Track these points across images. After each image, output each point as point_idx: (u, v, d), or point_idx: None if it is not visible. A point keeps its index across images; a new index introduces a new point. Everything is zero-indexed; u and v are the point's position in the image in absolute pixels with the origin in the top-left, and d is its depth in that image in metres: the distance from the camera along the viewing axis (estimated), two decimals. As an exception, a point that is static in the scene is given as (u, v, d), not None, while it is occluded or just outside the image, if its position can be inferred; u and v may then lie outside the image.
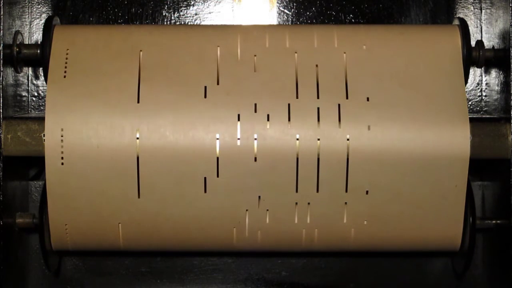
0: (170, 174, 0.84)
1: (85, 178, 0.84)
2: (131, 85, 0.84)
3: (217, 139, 0.84)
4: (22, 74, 0.92)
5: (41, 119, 0.85)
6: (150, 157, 0.83)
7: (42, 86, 0.97)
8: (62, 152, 0.83)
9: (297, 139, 0.84)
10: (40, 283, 0.99)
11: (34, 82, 0.97)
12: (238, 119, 0.84)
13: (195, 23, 0.98)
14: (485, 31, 0.96)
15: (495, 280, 0.93)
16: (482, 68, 0.96)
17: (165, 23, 0.98)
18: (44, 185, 0.85)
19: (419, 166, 0.84)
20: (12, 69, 0.89)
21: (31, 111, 0.97)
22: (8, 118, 0.86)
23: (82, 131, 0.83)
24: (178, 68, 0.85)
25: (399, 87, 0.85)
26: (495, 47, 0.90)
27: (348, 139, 0.83)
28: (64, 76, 0.85)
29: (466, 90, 0.88)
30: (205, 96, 0.84)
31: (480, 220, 0.89)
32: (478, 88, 0.98)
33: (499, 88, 0.90)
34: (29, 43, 0.94)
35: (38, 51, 0.88)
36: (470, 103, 0.98)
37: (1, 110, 0.85)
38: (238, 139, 0.84)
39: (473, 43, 0.89)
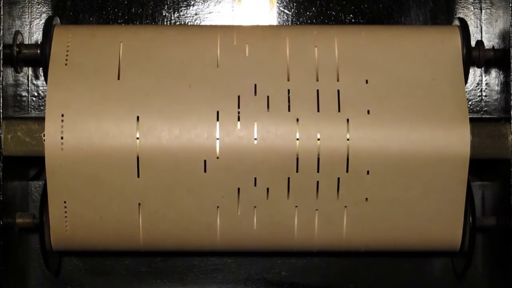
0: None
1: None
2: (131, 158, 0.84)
3: (218, 207, 0.85)
4: (22, 74, 0.92)
5: (41, 119, 0.85)
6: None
7: (42, 86, 0.97)
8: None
9: (296, 211, 0.85)
10: (40, 283, 0.98)
11: (34, 82, 0.97)
12: (238, 193, 0.84)
13: (195, 23, 0.98)
14: (485, 31, 0.96)
15: (495, 280, 0.93)
16: (482, 68, 0.96)
17: (165, 23, 0.98)
18: (44, 185, 0.85)
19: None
20: (12, 69, 0.89)
21: (31, 111, 0.97)
22: (8, 118, 0.86)
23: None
24: (177, 140, 0.84)
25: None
26: (495, 47, 0.90)
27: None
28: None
29: (466, 90, 0.87)
30: (205, 171, 0.84)
31: (480, 220, 0.89)
32: (478, 88, 0.98)
33: (499, 88, 0.90)
34: (29, 43, 0.94)
35: (38, 51, 0.88)
36: (470, 103, 0.98)
37: (1, 110, 0.85)
38: (238, 210, 0.85)
39: (473, 43, 0.89)
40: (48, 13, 0.97)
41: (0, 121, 0.85)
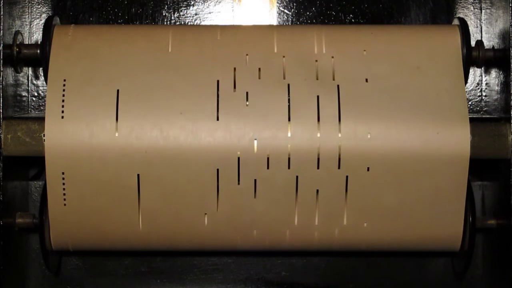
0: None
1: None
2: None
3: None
4: (22, 74, 0.92)
5: (41, 119, 0.85)
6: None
7: (42, 86, 0.97)
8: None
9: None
10: (40, 283, 0.99)
11: (34, 82, 0.97)
12: (238, 243, 0.86)
13: (195, 23, 0.98)
14: (485, 31, 0.96)
15: (495, 280, 0.93)
16: (482, 68, 0.96)
17: (165, 23, 0.98)
18: (44, 185, 0.85)
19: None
20: (12, 69, 0.89)
21: (31, 111, 0.97)
22: (8, 118, 0.86)
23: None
24: (177, 194, 0.84)
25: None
26: (495, 47, 0.90)
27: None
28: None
29: (466, 90, 0.87)
30: (205, 223, 0.85)
31: (480, 220, 0.89)
32: (478, 88, 0.98)
33: (499, 88, 0.90)
34: (29, 43, 0.94)
35: (38, 51, 0.88)
36: (470, 103, 0.98)
37: (1, 110, 0.85)
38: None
39: (473, 43, 0.89)
40: (48, 13, 0.97)
41: (0, 121, 0.85)
